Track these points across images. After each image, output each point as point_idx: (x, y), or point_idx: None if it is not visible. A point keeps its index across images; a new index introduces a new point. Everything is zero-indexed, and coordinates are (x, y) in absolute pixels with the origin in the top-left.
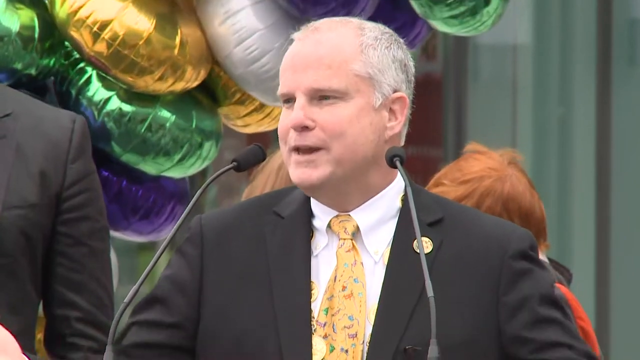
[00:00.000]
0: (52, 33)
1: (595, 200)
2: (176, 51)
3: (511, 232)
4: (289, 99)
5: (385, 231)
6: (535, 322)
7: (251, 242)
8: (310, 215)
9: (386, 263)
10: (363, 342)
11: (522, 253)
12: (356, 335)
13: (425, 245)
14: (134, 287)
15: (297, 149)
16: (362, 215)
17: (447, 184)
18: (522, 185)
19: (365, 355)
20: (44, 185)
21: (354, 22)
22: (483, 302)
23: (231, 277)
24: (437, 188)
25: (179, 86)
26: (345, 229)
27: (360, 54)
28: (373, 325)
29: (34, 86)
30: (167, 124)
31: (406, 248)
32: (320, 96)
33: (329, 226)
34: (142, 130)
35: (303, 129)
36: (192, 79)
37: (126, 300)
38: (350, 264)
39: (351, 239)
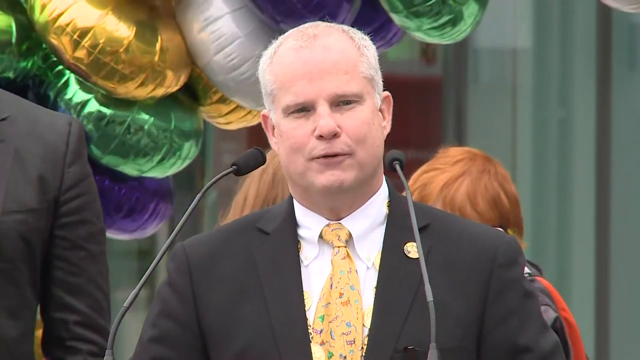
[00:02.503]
0: (29, 36)
1: (595, 203)
2: (156, 57)
3: (499, 240)
4: (303, 108)
5: (375, 237)
6: (516, 331)
7: (240, 262)
8: (296, 227)
9: (378, 268)
10: (361, 348)
11: (511, 262)
12: (354, 341)
13: (417, 250)
14: (134, 291)
15: (324, 157)
16: (353, 223)
17: (440, 167)
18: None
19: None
20: (42, 190)
21: (334, 25)
22: (471, 309)
23: (225, 298)
24: (428, 174)
25: (160, 92)
26: (339, 236)
27: (361, 55)
28: (369, 329)
29: (14, 90)
30: (146, 126)
31: (397, 252)
32: (339, 102)
33: (320, 236)
34: (121, 132)
35: (333, 136)
36: (172, 84)
37: (126, 304)
38: (346, 271)
39: (345, 247)
